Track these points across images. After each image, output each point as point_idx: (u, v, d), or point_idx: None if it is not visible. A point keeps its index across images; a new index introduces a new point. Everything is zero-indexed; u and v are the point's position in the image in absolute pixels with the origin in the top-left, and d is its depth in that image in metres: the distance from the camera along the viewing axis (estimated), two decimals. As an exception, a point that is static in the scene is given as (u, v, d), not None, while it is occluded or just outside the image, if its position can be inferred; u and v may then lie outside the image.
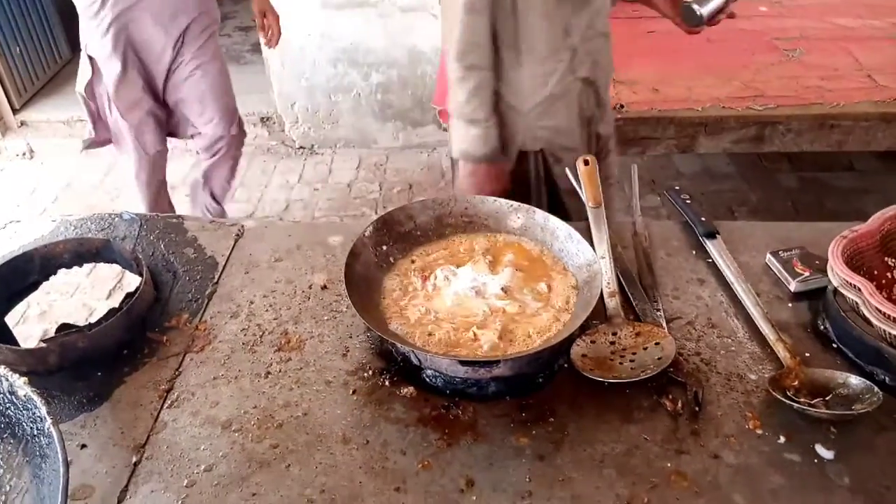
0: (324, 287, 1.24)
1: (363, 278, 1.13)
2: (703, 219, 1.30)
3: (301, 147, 4.00)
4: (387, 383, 1.06)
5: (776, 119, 2.30)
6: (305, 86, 3.82)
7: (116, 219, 1.40)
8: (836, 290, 1.09)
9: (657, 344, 1.06)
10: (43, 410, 0.76)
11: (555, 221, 1.20)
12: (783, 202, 3.27)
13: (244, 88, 4.13)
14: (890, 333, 0.99)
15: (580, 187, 1.32)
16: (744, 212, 3.22)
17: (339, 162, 3.88)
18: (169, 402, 1.05)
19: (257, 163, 3.92)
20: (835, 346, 1.09)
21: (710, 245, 1.26)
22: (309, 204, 3.54)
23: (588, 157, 1.33)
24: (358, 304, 1.05)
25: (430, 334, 1.06)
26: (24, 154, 4.02)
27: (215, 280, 1.27)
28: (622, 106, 2.32)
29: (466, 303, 1.11)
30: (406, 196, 3.56)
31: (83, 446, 0.99)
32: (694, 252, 1.29)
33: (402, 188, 3.63)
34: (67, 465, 0.69)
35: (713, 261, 1.25)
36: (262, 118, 3.99)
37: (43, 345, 1.06)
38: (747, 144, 2.36)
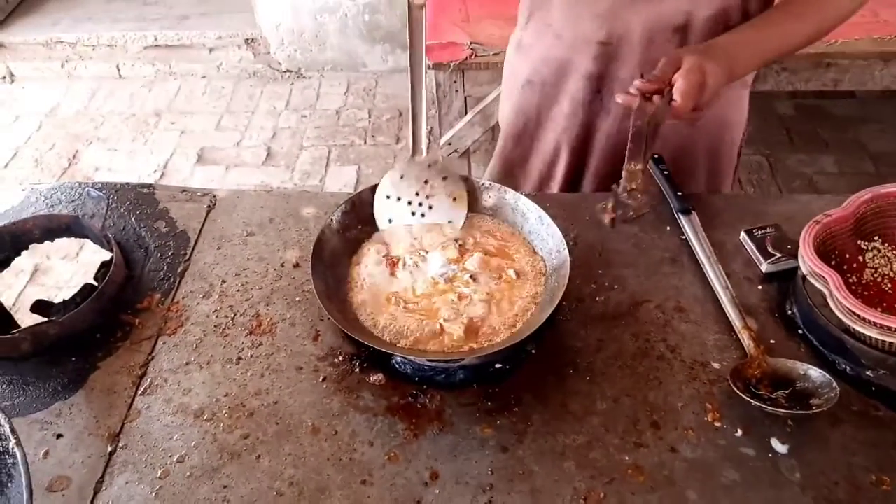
0: (296, 265, 1.24)
1: (331, 267, 1.13)
2: (679, 193, 1.28)
3: (287, 70, 3.89)
4: (356, 370, 1.08)
5: (771, 57, 2.22)
6: (290, 5, 3.68)
7: (86, 189, 1.38)
8: (804, 277, 1.09)
9: (624, 331, 1.07)
10: (6, 428, 0.77)
11: (525, 202, 1.18)
12: (778, 131, 3.22)
13: (227, 8, 3.99)
14: (852, 327, 1.00)
15: None
16: (737, 142, 3.17)
17: (327, 87, 3.78)
18: (142, 388, 1.07)
19: (244, 87, 3.83)
20: (800, 332, 1.10)
21: (684, 221, 1.25)
22: (297, 132, 3.48)
23: None
24: (326, 300, 1.05)
25: (398, 325, 1.07)
26: (3, 78, 3.92)
27: (187, 257, 1.26)
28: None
29: (435, 291, 1.11)
30: (396, 124, 3.49)
31: (59, 436, 1.01)
32: (668, 228, 1.27)
33: (391, 115, 3.56)
34: (31, 490, 0.71)
35: (686, 238, 1.24)
36: (247, 40, 3.87)
37: (15, 334, 1.07)
38: (741, 83, 2.28)
